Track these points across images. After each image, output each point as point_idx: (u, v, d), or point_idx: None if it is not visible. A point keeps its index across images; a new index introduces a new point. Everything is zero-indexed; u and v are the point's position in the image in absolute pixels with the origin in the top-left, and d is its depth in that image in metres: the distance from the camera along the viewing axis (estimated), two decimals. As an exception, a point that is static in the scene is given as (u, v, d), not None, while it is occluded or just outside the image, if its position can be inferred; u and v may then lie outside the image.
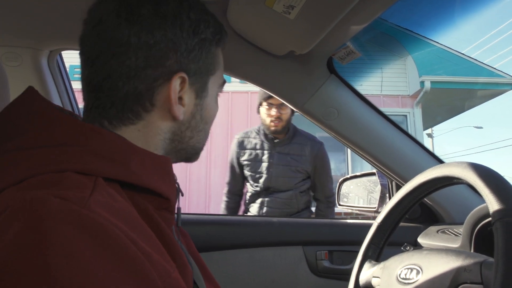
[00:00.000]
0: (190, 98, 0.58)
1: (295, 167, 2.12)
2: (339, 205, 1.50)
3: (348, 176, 1.49)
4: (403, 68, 7.59)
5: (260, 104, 2.13)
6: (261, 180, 2.12)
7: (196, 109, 0.59)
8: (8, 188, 0.41)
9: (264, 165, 2.13)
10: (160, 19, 0.53)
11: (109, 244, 0.36)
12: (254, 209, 2.16)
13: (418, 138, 7.40)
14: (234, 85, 6.97)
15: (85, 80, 0.55)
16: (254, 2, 0.77)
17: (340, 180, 1.53)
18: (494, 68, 7.25)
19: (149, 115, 0.55)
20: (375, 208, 1.31)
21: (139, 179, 0.49)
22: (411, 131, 7.28)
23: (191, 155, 0.64)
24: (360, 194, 1.44)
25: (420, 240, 1.16)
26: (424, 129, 9.00)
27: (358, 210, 1.43)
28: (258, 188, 2.13)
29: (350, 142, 1.07)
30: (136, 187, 0.49)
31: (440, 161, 1.10)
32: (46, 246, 0.33)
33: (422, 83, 7.05)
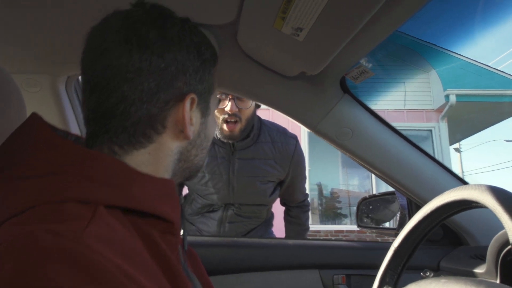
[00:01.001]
0: (197, 118, 0.59)
1: (264, 177, 1.56)
2: (359, 226, 1.46)
3: (367, 196, 1.45)
4: (427, 82, 7.46)
5: None
6: (216, 197, 1.57)
7: (201, 128, 0.61)
8: (8, 219, 0.41)
9: (220, 178, 1.55)
10: (168, 42, 0.54)
11: (103, 283, 0.35)
12: (205, 226, 1.64)
13: (445, 153, 7.26)
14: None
15: (92, 106, 0.54)
16: (263, 25, 0.77)
17: (359, 200, 1.49)
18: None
19: (160, 137, 0.55)
20: (395, 229, 1.27)
21: (141, 204, 0.49)
22: (436, 146, 7.12)
23: (193, 173, 0.65)
24: (379, 215, 1.40)
25: (443, 264, 1.11)
26: (451, 144, 8.76)
27: (378, 231, 1.39)
28: (211, 203, 1.62)
29: (366, 162, 1.04)
30: (139, 212, 0.48)
31: (462, 180, 1.06)
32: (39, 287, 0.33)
33: (447, 96, 6.90)
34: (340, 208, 7.71)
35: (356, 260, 1.15)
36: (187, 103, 0.55)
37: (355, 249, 1.19)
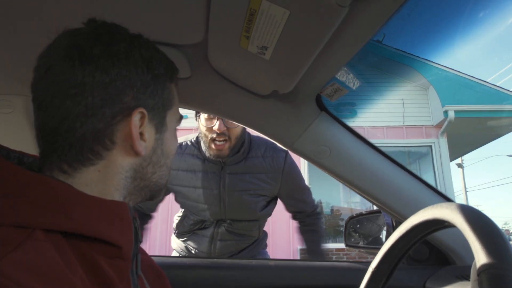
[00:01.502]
0: (150, 133, 0.58)
1: (255, 191, 1.54)
2: (346, 245, 1.43)
3: (353, 215, 1.43)
4: (426, 98, 7.49)
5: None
6: (207, 213, 1.55)
7: (156, 144, 0.60)
8: None
9: (210, 193, 1.53)
10: (113, 58, 0.53)
11: None
12: (196, 244, 1.61)
13: (445, 169, 7.23)
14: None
15: (39, 125, 0.54)
16: (230, 44, 0.77)
17: (346, 219, 1.46)
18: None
19: (110, 153, 0.54)
20: (381, 247, 1.24)
21: (84, 228, 0.47)
22: (436, 161, 7.09)
23: (154, 192, 0.63)
24: (367, 233, 1.37)
25: (429, 285, 1.08)
26: (452, 160, 8.72)
27: (365, 250, 1.36)
28: (203, 219, 1.59)
29: (345, 180, 1.02)
30: (84, 237, 0.47)
31: (444, 197, 1.04)
32: None
33: (445, 112, 6.91)
34: (341, 226, 7.63)
35: (340, 281, 1.12)
36: (135, 117, 0.54)
37: (338, 269, 1.16)
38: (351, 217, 1.43)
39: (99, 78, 0.52)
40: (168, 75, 0.61)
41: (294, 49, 0.72)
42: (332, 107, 1.02)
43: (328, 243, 7.20)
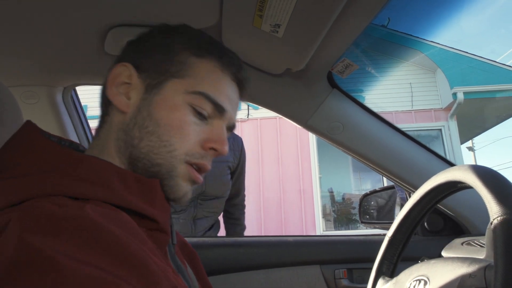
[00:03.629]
0: (138, 92, 0.60)
1: (226, 163, 1.80)
2: (362, 222, 1.46)
3: (368, 192, 1.46)
4: (434, 81, 7.42)
5: None
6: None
7: (142, 104, 0.59)
8: (7, 207, 0.44)
9: None
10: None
11: (110, 243, 0.40)
12: (179, 226, 1.76)
13: (456, 152, 7.18)
14: (262, 112, 7.05)
15: None
16: (244, 24, 0.80)
17: (361, 197, 1.49)
18: None
19: (109, 109, 0.61)
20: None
21: (125, 201, 0.50)
22: (447, 145, 7.04)
23: (148, 167, 0.57)
24: (381, 209, 1.40)
25: (444, 253, 1.11)
26: (462, 142, 8.64)
27: (380, 226, 1.39)
28: None
29: (358, 155, 1.05)
30: (125, 210, 0.50)
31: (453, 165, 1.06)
32: (47, 249, 0.36)
33: (454, 94, 6.84)
34: (354, 214, 7.64)
35: (357, 254, 1.15)
36: (116, 69, 0.60)
37: (355, 243, 1.19)
38: (365, 195, 1.46)
39: (124, 50, 0.66)
40: (191, 46, 0.62)
41: (306, 25, 0.75)
42: (343, 84, 1.04)
43: (341, 230, 7.22)
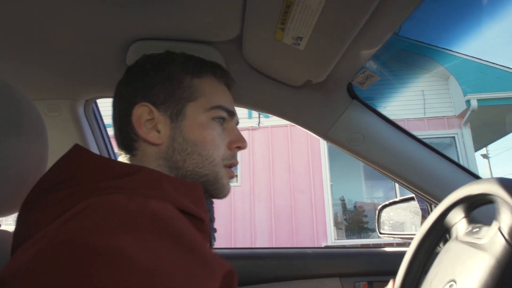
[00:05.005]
0: (164, 124, 0.66)
1: None
2: (380, 233, 1.44)
3: (387, 203, 1.44)
4: (447, 88, 7.36)
5: None
6: None
7: (174, 132, 0.66)
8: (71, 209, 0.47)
9: None
10: (130, 76, 0.71)
11: (174, 231, 0.44)
12: None
13: (470, 159, 7.09)
14: (272, 120, 7.05)
15: None
16: (265, 37, 0.80)
17: (379, 207, 1.47)
18: None
19: (138, 144, 0.67)
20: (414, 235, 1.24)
21: (175, 201, 0.55)
22: (461, 152, 6.96)
23: (201, 181, 0.67)
24: (400, 221, 1.38)
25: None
26: (476, 150, 8.52)
27: (400, 238, 1.37)
28: None
29: (379, 166, 1.04)
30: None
31: (477, 177, 1.04)
32: (119, 236, 0.39)
33: (468, 102, 6.77)
34: (366, 222, 7.56)
35: (378, 267, 1.14)
36: (136, 110, 0.66)
37: (376, 255, 1.17)
38: (384, 205, 1.44)
39: (120, 92, 0.71)
40: (190, 72, 0.70)
41: (328, 37, 0.75)
42: (363, 96, 1.04)
43: (352, 239, 7.13)
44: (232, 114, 0.73)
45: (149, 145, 0.66)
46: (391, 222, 1.42)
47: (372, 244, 6.71)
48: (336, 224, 7.18)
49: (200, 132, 0.67)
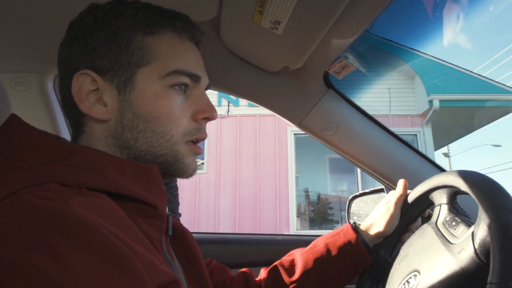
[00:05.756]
0: (111, 95, 0.55)
1: None
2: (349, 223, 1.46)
3: (357, 194, 1.46)
4: (412, 88, 7.59)
5: None
6: None
7: (122, 106, 0.55)
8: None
9: None
10: (71, 33, 0.58)
11: (91, 240, 0.37)
12: None
13: (429, 157, 7.44)
14: (242, 109, 7.03)
15: None
16: (243, 20, 0.78)
17: (349, 198, 1.49)
18: (506, 86, 7.17)
19: (84, 120, 0.56)
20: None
21: (119, 187, 0.49)
22: (421, 150, 7.23)
23: (157, 162, 0.57)
24: (370, 212, 1.40)
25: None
26: (437, 149, 8.88)
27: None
28: None
29: (351, 156, 1.05)
30: (120, 197, 0.49)
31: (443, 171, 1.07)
32: (27, 245, 0.34)
33: (430, 102, 7.02)
34: (329, 214, 7.74)
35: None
36: (75, 81, 0.54)
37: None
38: (354, 196, 1.46)
39: (61, 55, 0.58)
40: (141, 28, 0.56)
41: (306, 23, 0.73)
42: (339, 86, 1.04)
43: (314, 229, 7.29)
44: (197, 78, 0.59)
45: (96, 122, 0.55)
46: (360, 212, 1.45)
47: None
48: (300, 214, 7.31)
49: (153, 105, 0.55)
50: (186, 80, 0.57)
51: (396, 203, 0.82)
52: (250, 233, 1.45)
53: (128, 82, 0.55)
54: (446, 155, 10.48)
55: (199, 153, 0.61)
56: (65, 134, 1.09)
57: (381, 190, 1.33)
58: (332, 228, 7.30)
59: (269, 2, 0.69)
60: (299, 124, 1.03)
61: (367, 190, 1.44)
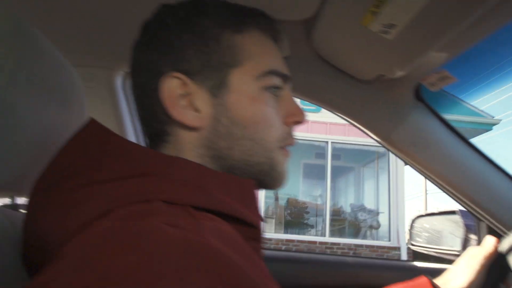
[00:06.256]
0: (203, 99, 0.50)
1: None
2: (412, 245, 1.35)
3: (423, 213, 1.35)
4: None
5: None
6: None
7: (216, 111, 0.50)
8: (96, 218, 0.37)
9: None
10: (147, 36, 0.54)
11: (230, 276, 0.32)
12: None
13: (399, 169, 7.24)
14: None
15: None
16: (348, 21, 0.70)
17: (413, 217, 1.39)
18: (473, 106, 6.74)
19: (170, 128, 0.50)
20: (457, 251, 1.16)
21: (225, 207, 0.44)
22: (392, 162, 7.25)
23: (252, 171, 0.52)
24: (437, 234, 1.30)
25: None
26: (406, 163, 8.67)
27: (436, 252, 1.28)
28: None
29: (438, 177, 0.95)
30: (222, 216, 0.43)
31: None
32: (165, 281, 0.28)
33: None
34: (297, 218, 7.73)
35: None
36: (165, 84, 0.49)
37: (422, 271, 1.09)
38: (419, 216, 1.36)
39: (139, 59, 0.53)
40: (228, 26, 0.51)
41: (426, 29, 0.65)
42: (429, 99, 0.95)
43: (279, 233, 7.25)
44: (287, 78, 0.55)
45: (185, 129, 0.50)
46: (425, 234, 1.34)
47: (297, 240, 6.83)
48: (266, 217, 7.26)
49: (250, 109, 0.51)
50: (278, 81, 0.53)
51: (483, 261, 0.75)
52: (318, 253, 1.38)
53: (222, 85, 0.50)
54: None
55: (288, 157, 0.57)
56: (131, 136, 1.04)
57: (452, 212, 1.22)
58: (296, 233, 7.28)
59: (389, 2, 0.61)
60: (387, 140, 0.94)
61: (435, 211, 1.34)
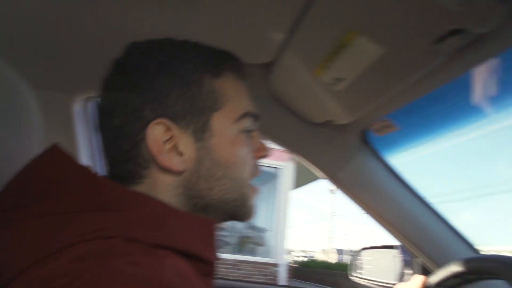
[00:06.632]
0: (187, 144, 0.50)
1: None
2: (352, 276, 1.41)
3: (367, 246, 1.42)
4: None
5: None
6: None
7: (200, 154, 0.51)
8: (52, 254, 0.37)
9: None
10: (124, 76, 0.52)
11: None
12: None
13: (286, 193, 7.92)
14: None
15: None
16: (302, 70, 0.75)
17: (358, 249, 1.45)
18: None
19: (149, 171, 0.50)
20: (393, 284, 1.23)
21: (184, 245, 0.45)
22: (283, 184, 7.92)
23: (226, 208, 0.54)
24: (377, 267, 1.36)
25: None
26: (298, 186, 9.68)
27: (373, 284, 1.35)
28: None
29: (379, 217, 1.01)
30: (179, 253, 0.45)
31: (473, 249, 1.04)
32: None
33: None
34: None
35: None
36: (152, 131, 0.48)
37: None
38: (364, 248, 1.42)
39: (115, 101, 0.51)
40: (207, 71, 0.53)
41: (372, 85, 0.71)
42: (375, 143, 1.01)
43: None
44: (258, 117, 0.58)
45: (164, 173, 0.50)
46: (367, 266, 1.40)
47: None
48: None
49: (231, 151, 0.53)
50: (251, 122, 0.56)
51: None
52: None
53: (205, 128, 0.51)
54: (332, 191, 10.83)
55: (256, 192, 0.59)
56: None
57: (391, 247, 1.29)
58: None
59: (338, 60, 0.67)
60: (332, 178, 1.00)
61: (377, 245, 1.40)
